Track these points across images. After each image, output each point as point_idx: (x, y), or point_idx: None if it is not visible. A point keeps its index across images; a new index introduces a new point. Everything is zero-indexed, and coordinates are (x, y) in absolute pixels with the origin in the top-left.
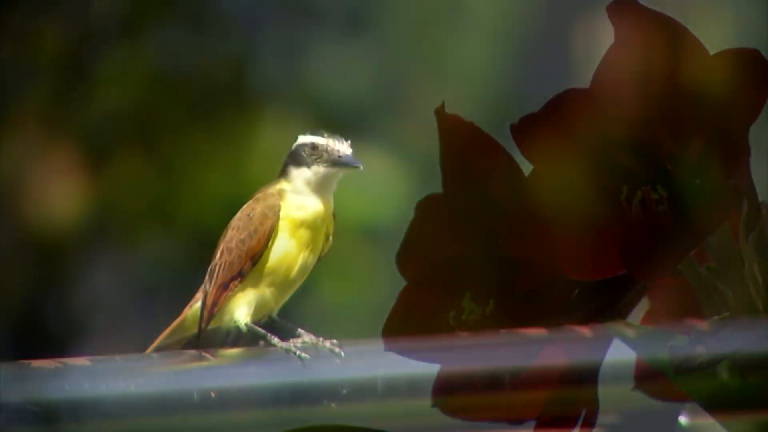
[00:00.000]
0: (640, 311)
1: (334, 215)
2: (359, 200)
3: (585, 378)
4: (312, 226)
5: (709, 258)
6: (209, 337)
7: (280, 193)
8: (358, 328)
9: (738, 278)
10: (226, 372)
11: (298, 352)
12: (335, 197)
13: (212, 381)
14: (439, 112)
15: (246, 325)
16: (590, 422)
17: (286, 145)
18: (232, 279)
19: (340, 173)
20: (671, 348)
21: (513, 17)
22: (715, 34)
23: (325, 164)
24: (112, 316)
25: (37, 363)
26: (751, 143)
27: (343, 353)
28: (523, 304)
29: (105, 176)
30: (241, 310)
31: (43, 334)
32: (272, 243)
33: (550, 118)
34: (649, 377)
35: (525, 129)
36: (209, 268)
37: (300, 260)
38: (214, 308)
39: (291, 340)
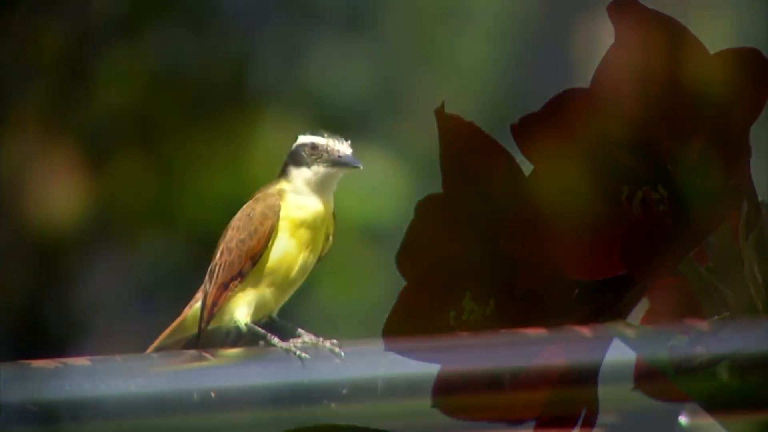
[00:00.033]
0: (640, 311)
1: (334, 215)
2: (359, 200)
3: (585, 378)
4: (312, 226)
5: (709, 258)
6: (209, 337)
7: (280, 193)
8: (358, 328)
9: (738, 278)
10: (226, 372)
11: (298, 352)
12: (335, 197)
13: (212, 381)
14: (439, 112)
15: (246, 325)
16: (590, 422)
17: (286, 145)
18: (232, 279)
19: (340, 173)
20: (671, 348)
21: (513, 17)
22: (715, 34)
23: (325, 164)
24: (112, 316)
25: (37, 363)
26: (751, 143)
27: (343, 353)
28: (523, 304)
29: (105, 176)
30: (241, 310)
31: (43, 334)
32: (272, 243)
33: (551, 118)
34: (649, 377)
35: (525, 129)
36: (209, 268)
37: (300, 260)
38: (214, 308)
39: (291, 340)
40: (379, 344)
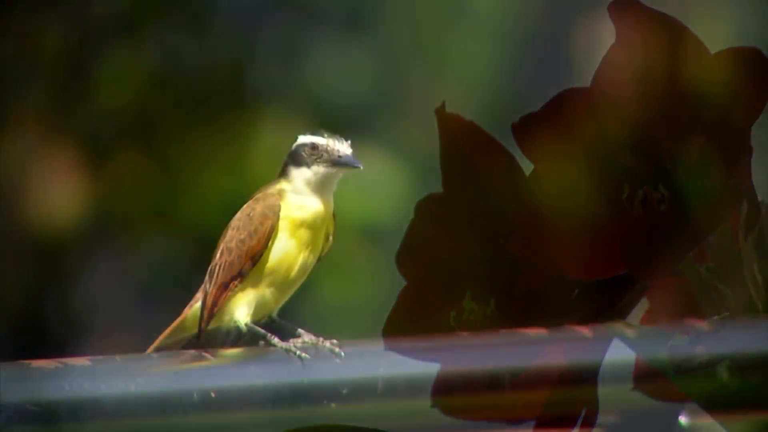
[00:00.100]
0: (640, 311)
1: (334, 215)
2: (359, 200)
3: (585, 378)
4: (312, 226)
5: (709, 258)
6: (209, 337)
7: (280, 193)
8: (358, 328)
9: (738, 278)
10: (226, 372)
11: (298, 352)
12: (335, 197)
13: (212, 381)
14: (440, 112)
15: (246, 325)
16: (590, 422)
17: (286, 145)
18: (232, 279)
19: (340, 173)
20: (671, 348)
21: (513, 17)
22: (716, 33)
23: (325, 164)
24: (112, 316)
25: (37, 363)
26: (752, 143)
27: (343, 353)
28: (524, 304)
29: (105, 176)
30: (241, 310)
31: (43, 334)
32: (272, 243)
33: (551, 118)
34: (649, 377)
35: (526, 128)
36: (209, 268)
37: (300, 260)
38: (214, 308)
39: (291, 340)
40: (379, 344)
